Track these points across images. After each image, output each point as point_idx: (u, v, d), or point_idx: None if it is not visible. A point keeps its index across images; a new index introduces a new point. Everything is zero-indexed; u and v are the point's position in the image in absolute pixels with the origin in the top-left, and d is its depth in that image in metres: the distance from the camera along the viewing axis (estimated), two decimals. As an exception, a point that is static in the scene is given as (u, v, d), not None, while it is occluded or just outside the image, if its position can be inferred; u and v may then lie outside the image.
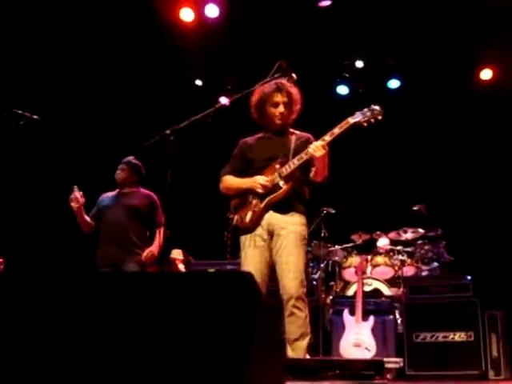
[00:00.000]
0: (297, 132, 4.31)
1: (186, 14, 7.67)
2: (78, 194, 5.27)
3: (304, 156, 3.96)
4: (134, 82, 8.20)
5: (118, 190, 5.64)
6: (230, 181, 4.28)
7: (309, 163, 4.03)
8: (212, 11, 7.65)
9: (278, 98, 4.16)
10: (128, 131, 7.77)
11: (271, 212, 4.05)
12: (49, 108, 6.40)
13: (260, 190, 4.04)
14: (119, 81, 8.09)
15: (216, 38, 7.89)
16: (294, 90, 4.21)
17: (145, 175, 5.68)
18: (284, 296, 3.95)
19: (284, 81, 4.15)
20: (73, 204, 5.27)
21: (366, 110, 4.02)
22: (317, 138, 4.04)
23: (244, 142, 4.39)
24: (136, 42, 7.81)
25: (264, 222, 4.05)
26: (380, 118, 4.01)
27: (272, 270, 4.12)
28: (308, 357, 4.06)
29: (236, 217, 4.16)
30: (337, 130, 3.95)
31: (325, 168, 4.01)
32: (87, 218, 5.46)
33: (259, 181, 4.05)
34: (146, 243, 5.46)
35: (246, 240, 4.11)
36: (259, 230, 4.06)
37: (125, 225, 5.37)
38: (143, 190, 5.63)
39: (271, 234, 4.06)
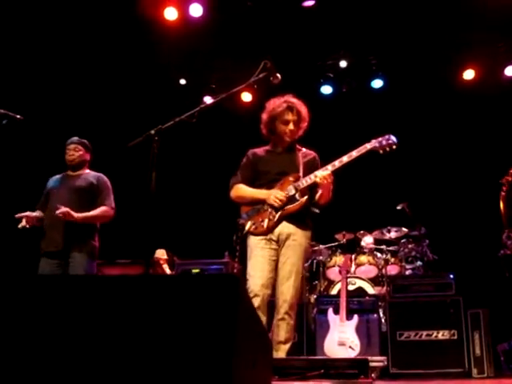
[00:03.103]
0: (303, 149, 4.57)
1: (170, 13, 7.65)
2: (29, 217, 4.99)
3: (312, 178, 4.24)
4: (117, 81, 8.17)
5: (66, 172, 5.31)
6: (244, 190, 4.45)
7: (315, 185, 4.29)
8: (196, 10, 7.64)
9: (289, 116, 4.40)
10: (112, 131, 7.74)
11: (284, 222, 4.28)
12: (32, 108, 6.34)
13: (276, 205, 4.24)
14: (103, 80, 8.05)
15: (200, 37, 7.87)
16: (304, 109, 4.46)
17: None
18: (279, 300, 4.19)
19: (294, 99, 4.43)
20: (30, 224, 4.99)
21: (381, 138, 4.34)
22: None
23: (254, 154, 4.57)
24: (120, 41, 7.78)
25: (277, 230, 4.27)
26: (394, 147, 4.34)
27: None
28: None
29: (249, 223, 4.34)
30: (354, 154, 4.26)
31: (329, 194, 4.31)
32: (37, 214, 5.09)
33: (277, 195, 4.25)
34: (96, 230, 5.15)
35: (258, 242, 4.29)
36: (271, 236, 4.28)
37: (72, 209, 4.91)
38: (93, 172, 5.32)
39: (281, 241, 4.28)
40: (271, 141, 4.57)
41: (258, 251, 4.26)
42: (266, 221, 4.26)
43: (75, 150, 5.28)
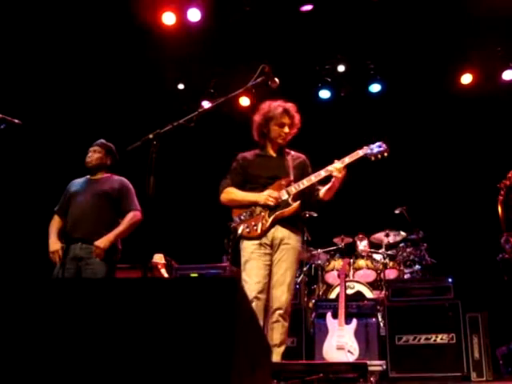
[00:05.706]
0: (292, 152, 4.60)
1: (168, 18, 7.65)
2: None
3: (305, 183, 4.30)
4: (116, 85, 8.17)
5: (88, 176, 5.19)
6: (235, 193, 4.47)
7: (313, 186, 4.38)
8: (194, 15, 7.64)
9: (286, 119, 4.45)
10: (110, 135, 7.72)
11: (277, 226, 4.30)
12: (31, 112, 6.33)
13: (272, 203, 4.26)
14: (101, 85, 8.05)
15: (198, 41, 7.88)
16: (297, 115, 4.51)
17: (118, 160, 5.28)
18: (273, 304, 4.20)
19: (289, 105, 4.48)
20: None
21: (373, 146, 4.39)
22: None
23: (244, 158, 4.59)
24: (118, 46, 7.78)
25: (269, 234, 4.29)
26: (386, 155, 4.40)
27: None
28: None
29: (242, 226, 4.33)
30: (347, 160, 4.32)
31: (337, 189, 4.36)
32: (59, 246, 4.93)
33: (271, 194, 4.28)
34: None
35: (252, 246, 4.30)
36: (264, 240, 4.29)
37: (93, 214, 4.88)
38: (116, 176, 5.19)
39: (274, 246, 4.30)
40: (262, 144, 4.60)
41: (253, 257, 4.27)
42: (260, 225, 4.28)
43: (94, 152, 5.17)
